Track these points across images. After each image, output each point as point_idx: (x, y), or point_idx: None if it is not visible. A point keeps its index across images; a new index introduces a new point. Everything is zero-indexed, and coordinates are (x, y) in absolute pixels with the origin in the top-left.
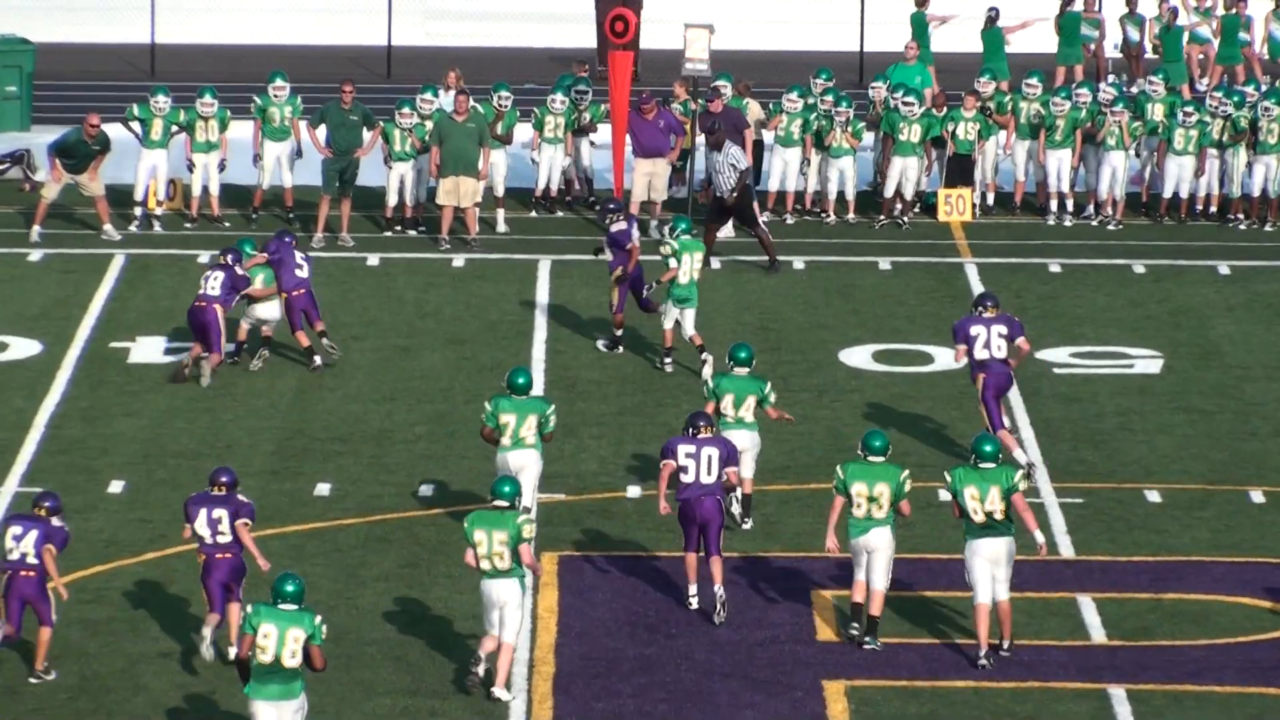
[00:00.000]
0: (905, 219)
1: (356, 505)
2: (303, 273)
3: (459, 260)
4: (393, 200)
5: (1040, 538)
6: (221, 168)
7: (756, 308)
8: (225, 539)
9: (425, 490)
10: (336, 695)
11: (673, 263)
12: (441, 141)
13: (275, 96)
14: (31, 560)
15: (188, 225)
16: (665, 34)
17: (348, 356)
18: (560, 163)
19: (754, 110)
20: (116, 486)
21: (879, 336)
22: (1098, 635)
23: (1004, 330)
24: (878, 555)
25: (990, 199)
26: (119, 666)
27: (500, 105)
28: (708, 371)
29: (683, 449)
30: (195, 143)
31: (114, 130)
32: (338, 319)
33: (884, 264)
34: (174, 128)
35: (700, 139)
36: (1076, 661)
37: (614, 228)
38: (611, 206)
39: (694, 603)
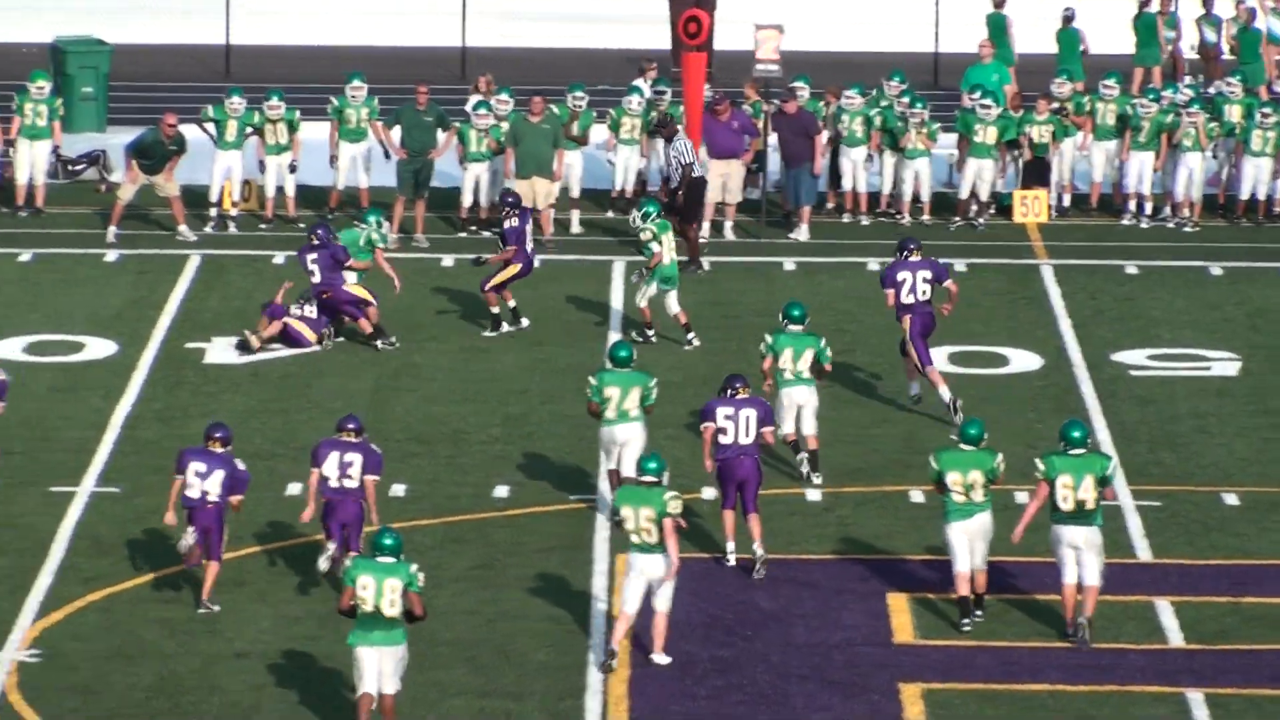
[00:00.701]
0: (980, 220)
1: (432, 506)
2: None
3: (535, 260)
4: (468, 201)
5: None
6: (292, 169)
7: (831, 309)
8: (352, 484)
9: (500, 491)
10: (411, 695)
11: (655, 247)
12: (517, 143)
13: (352, 98)
14: (213, 498)
15: (262, 226)
16: (737, 35)
17: (424, 358)
18: (636, 164)
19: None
20: None
21: (954, 338)
22: (1175, 639)
23: (928, 275)
24: (979, 540)
25: (1066, 200)
26: (195, 666)
27: (576, 106)
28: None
29: (721, 411)
30: (266, 145)
31: (189, 131)
32: (413, 320)
33: (959, 265)
34: (248, 129)
35: (773, 139)
36: (1154, 665)
37: (506, 224)
38: (510, 200)
39: (731, 560)
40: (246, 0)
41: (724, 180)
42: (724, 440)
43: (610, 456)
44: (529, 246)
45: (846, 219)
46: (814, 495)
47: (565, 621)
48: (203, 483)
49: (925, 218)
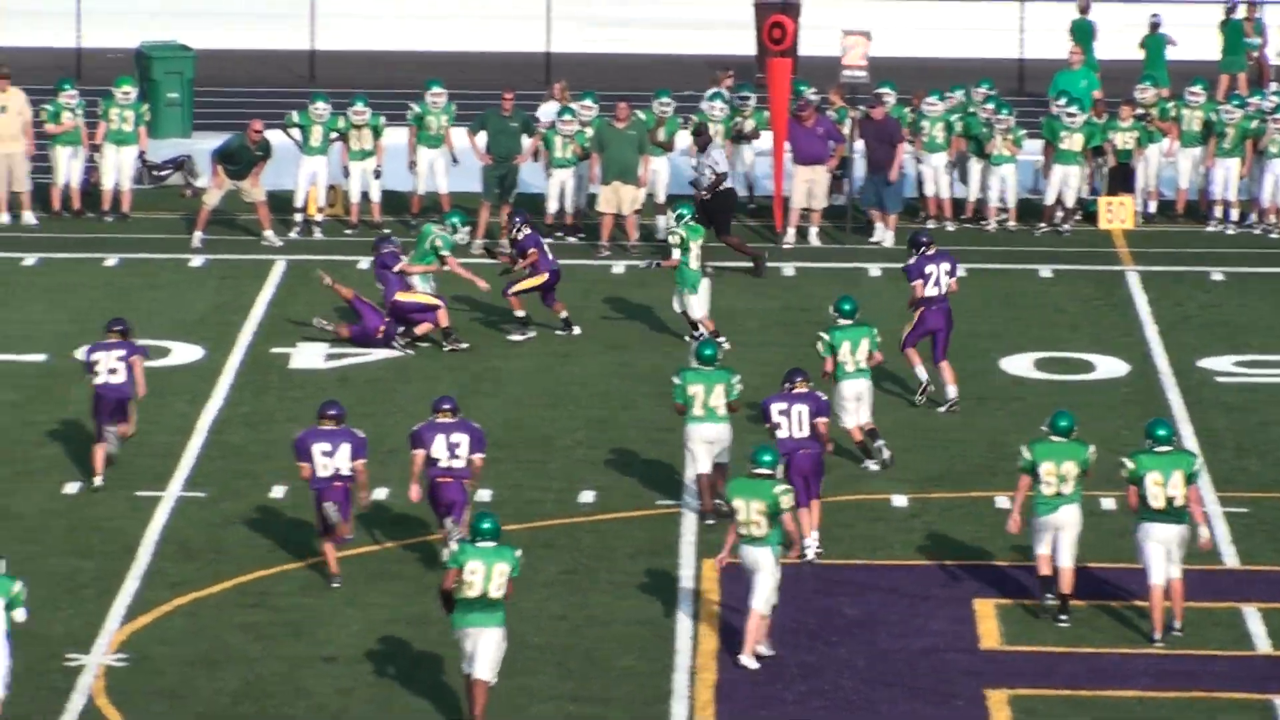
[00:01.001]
0: (1066, 227)
1: (517, 511)
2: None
3: (619, 267)
4: (553, 207)
5: (1205, 533)
6: (377, 174)
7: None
8: (459, 464)
9: (586, 497)
10: (499, 700)
11: (676, 253)
12: (602, 148)
13: (432, 104)
14: (345, 473)
15: (348, 231)
16: (823, 41)
17: (507, 363)
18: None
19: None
20: (278, 492)
21: (1040, 344)
22: (1263, 645)
23: (948, 267)
24: (1066, 533)
25: (1152, 207)
26: (281, 670)
27: (662, 112)
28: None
29: (775, 407)
30: (350, 151)
31: (274, 136)
32: (498, 325)
33: (1045, 271)
34: (333, 134)
35: (858, 144)
36: (1241, 672)
37: (520, 235)
38: (519, 218)
39: (811, 554)
40: (331, 5)
41: (809, 186)
42: (780, 435)
43: (695, 456)
44: (549, 255)
45: (931, 225)
46: (899, 501)
47: (652, 626)
48: (332, 460)
49: (1011, 224)
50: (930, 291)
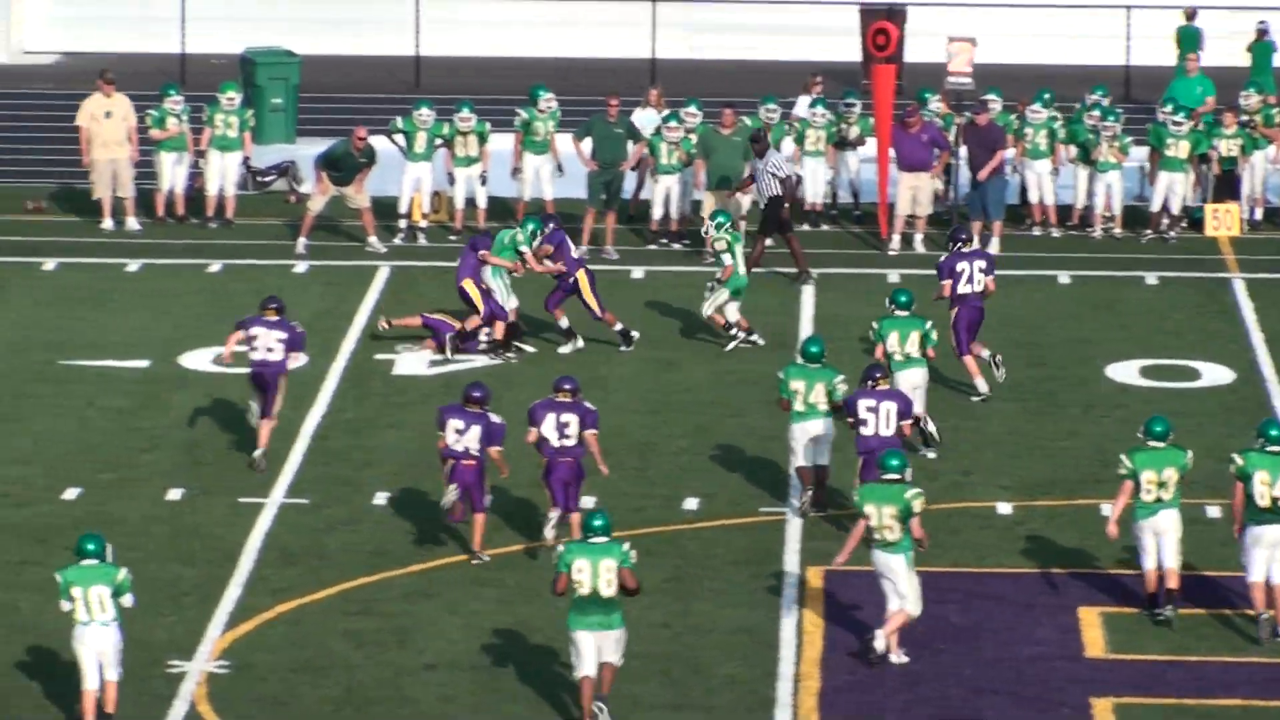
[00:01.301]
0: (1172, 234)
1: (620, 518)
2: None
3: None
4: (658, 213)
5: None
6: (483, 180)
7: (1022, 322)
8: (570, 443)
9: (690, 504)
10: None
11: (727, 259)
12: (707, 155)
13: (541, 110)
14: (474, 452)
15: (452, 238)
16: (929, 47)
17: (611, 369)
18: (823, 176)
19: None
20: (381, 498)
21: (1146, 351)
22: None
23: (983, 265)
24: (1168, 537)
25: (1258, 214)
26: (385, 677)
27: (768, 118)
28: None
29: (863, 403)
30: (455, 157)
31: (378, 142)
32: (602, 332)
33: (1150, 279)
34: (437, 141)
35: (963, 152)
36: None
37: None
38: (550, 222)
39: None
40: (436, 12)
41: (913, 193)
42: (865, 432)
43: (798, 452)
44: (574, 256)
45: (1036, 232)
46: (1005, 508)
47: (755, 634)
48: (462, 439)
49: (1116, 231)
50: (964, 289)
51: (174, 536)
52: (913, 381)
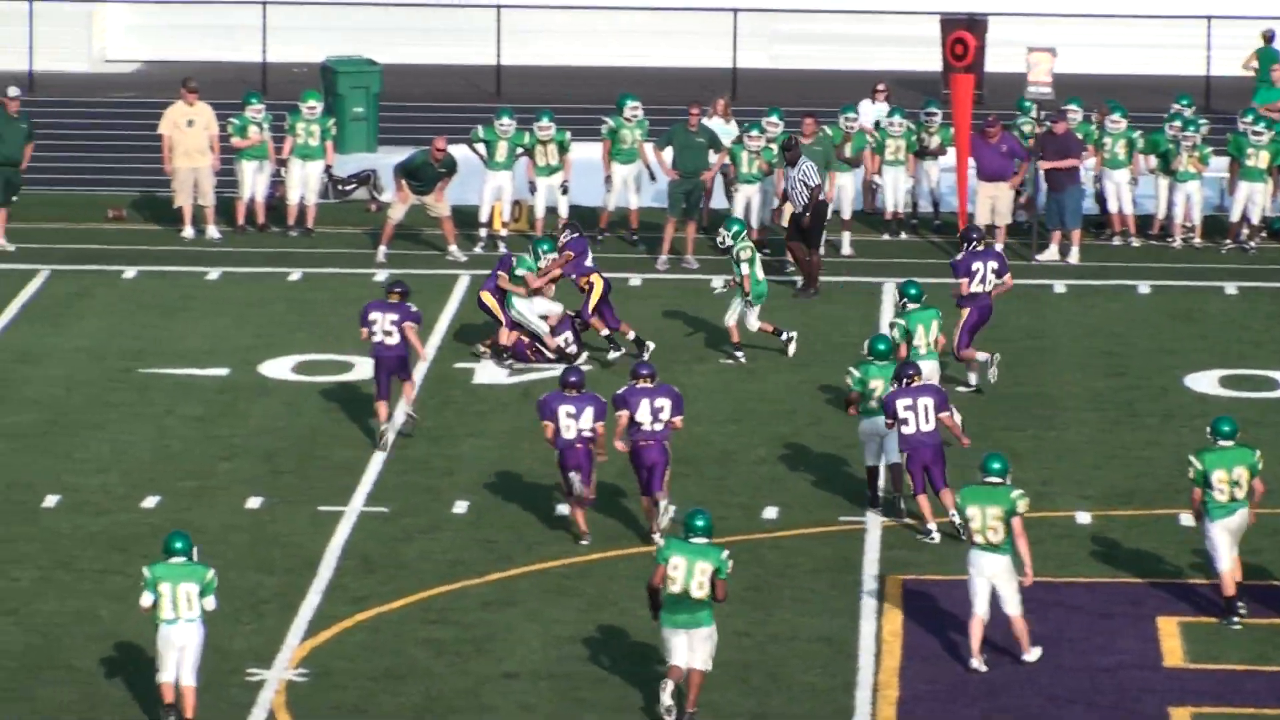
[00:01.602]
0: (1252, 244)
1: None
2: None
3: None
4: (755, 222)
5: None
6: (564, 190)
7: (1102, 332)
8: (660, 427)
9: (769, 513)
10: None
11: (745, 267)
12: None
13: (628, 119)
14: (587, 434)
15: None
16: (1010, 58)
17: (691, 379)
18: (904, 185)
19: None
20: (461, 507)
21: (1225, 361)
22: None
23: (995, 265)
24: (1238, 537)
25: None
26: (464, 687)
27: (848, 128)
28: (792, 349)
29: (900, 403)
30: (537, 166)
31: (458, 151)
32: (680, 341)
33: (1230, 288)
34: (518, 150)
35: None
36: None
37: (566, 238)
38: (571, 222)
39: (935, 537)
40: (517, 20)
41: (992, 202)
42: (906, 430)
43: (869, 449)
44: (588, 264)
45: (1116, 242)
46: (1084, 518)
47: (834, 643)
48: (576, 423)
49: (1196, 240)
50: (976, 288)
51: (253, 545)
52: (925, 374)
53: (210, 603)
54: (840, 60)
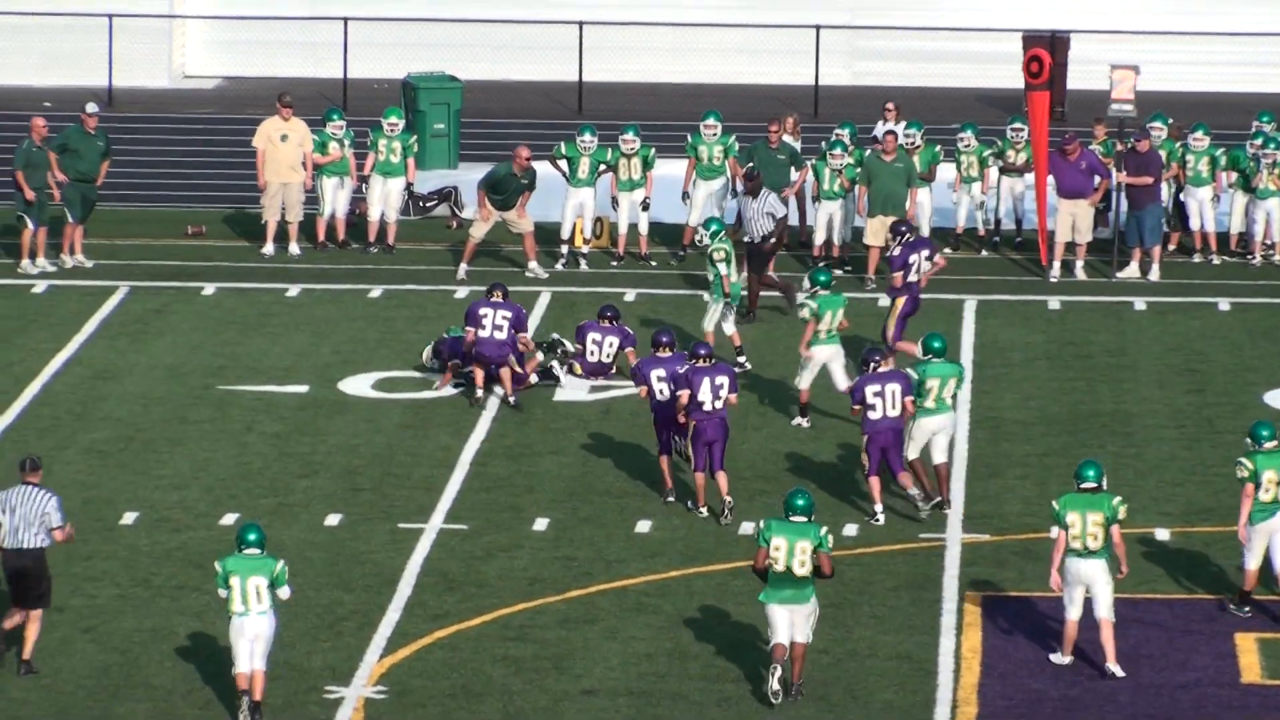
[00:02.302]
0: None
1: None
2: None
3: (885, 299)
4: (820, 239)
5: None
6: (645, 206)
7: (1182, 349)
8: (720, 404)
9: (849, 530)
10: None
11: (723, 268)
12: (870, 181)
13: (707, 135)
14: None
15: (614, 264)
16: (1093, 75)
17: (772, 396)
18: (979, 201)
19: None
20: (541, 524)
21: None
22: None
23: (927, 253)
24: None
25: None
26: (543, 704)
27: (909, 144)
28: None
29: (870, 389)
30: (619, 181)
31: (540, 168)
32: (763, 359)
33: None
34: (600, 166)
35: (1118, 178)
36: None
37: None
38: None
39: (880, 519)
40: (599, 37)
41: (1072, 220)
42: (873, 416)
43: (917, 446)
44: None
45: (1197, 259)
46: (1163, 534)
47: (913, 660)
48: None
49: (1277, 258)
50: (912, 278)
51: (332, 562)
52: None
53: (284, 593)
54: (922, 77)
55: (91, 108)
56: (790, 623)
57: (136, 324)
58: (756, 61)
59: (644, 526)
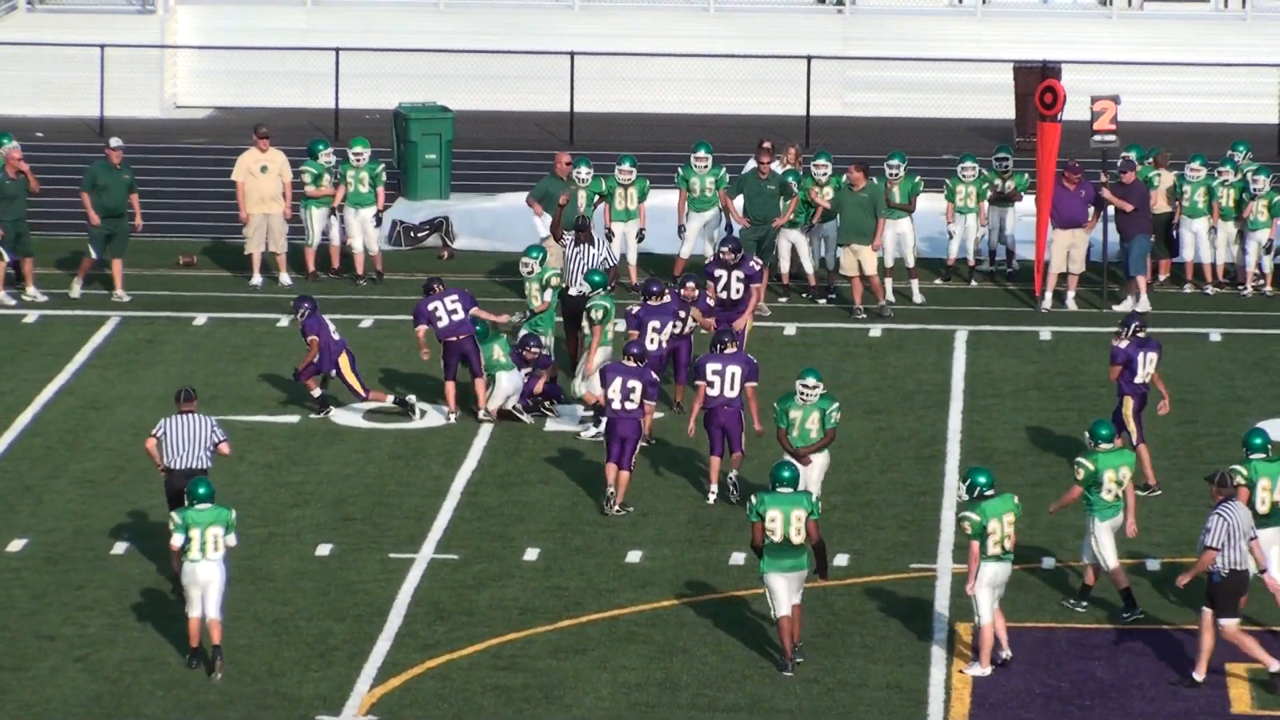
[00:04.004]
0: None
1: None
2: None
3: (875, 330)
4: (784, 267)
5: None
6: (640, 238)
7: (1172, 380)
8: (733, 394)
9: (841, 560)
10: None
11: (548, 295)
12: (839, 212)
13: (698, 167)
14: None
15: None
16: (1073, 106)
17: (767, 424)
18: (975, 232)
19: (1165, 181)
20: (532, 554)
21: None
22: None
23: (741, 275)
24: (1276, 548)
25: None
26: None
27: (891, 175)
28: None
29: (710, 366)
30: (614, 211)
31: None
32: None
33: None
34: (596, 197)
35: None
36: None
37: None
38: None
39: (713, 499)
40: (591, 68)
41: (1069, 250)
42: (711, 393)
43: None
44: (334, 336)
45: (1188, 289)
46: (1153, 565)
47: (904, 690)
48: (724, 382)
49: (1267, 289)
50: (733, 297)
51: (324, 591)
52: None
53: (233, 540)
54: (913, 108)
55: (115, 142)
56: (789, 589)
57: (128, 354)
58: (748, 92)
59: (634, 556)
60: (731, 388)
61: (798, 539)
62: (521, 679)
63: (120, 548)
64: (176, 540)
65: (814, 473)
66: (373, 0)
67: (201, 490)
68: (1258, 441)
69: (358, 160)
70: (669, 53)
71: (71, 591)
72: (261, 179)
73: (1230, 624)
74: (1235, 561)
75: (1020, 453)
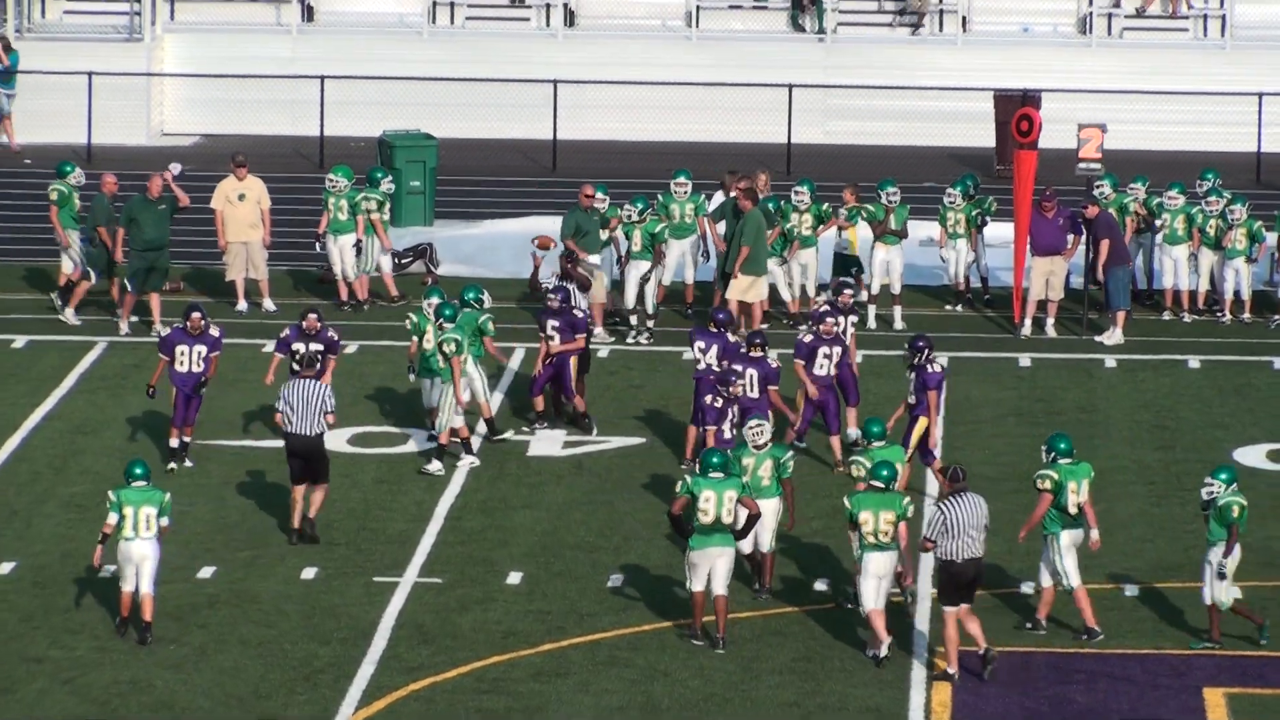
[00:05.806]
0: None
1: (753, 598)
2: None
3: (857, 357)
4: (785, 295)
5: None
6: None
7: (1152, 406)
8: (754, 395)
9: (820, 585)
10: None
11: (416, 339)
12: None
13: (677, 193)
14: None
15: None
16: (1059, 134)
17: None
18: (965, 258)
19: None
20: (515, 577)
21: (1275, 435)
22: None
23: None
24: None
25: None
26: None
27: (889, 202)
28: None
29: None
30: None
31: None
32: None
33: (1278, 363)
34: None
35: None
36: None
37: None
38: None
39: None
40: (574, 96)
41: (1047, 277)
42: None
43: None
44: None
45: (1167, 316)
46: (1131, 590)
47: (883, 714)
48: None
49: (1245, 316)
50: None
51: (308, 615)
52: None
53: (165, 522)
54: (894, 136)
55: (176, 168)
56: (710, 571)
57: (115, 379)
58: (730, 120)
59: (616, 580)
60: (752, 389)
61: (728, 519)
62: (504, 702)
63: (107, 571)
64: (111, 519)
65: (767, 519)
66: (358, 29)
67: (138, 470)
68: (1063, 446)
69: (332, 186)
70: (651, 81)
71: (59, 615)
72: (239, 206)
73: (950, 611)
74: (955, 552)
75: (999, 479)
